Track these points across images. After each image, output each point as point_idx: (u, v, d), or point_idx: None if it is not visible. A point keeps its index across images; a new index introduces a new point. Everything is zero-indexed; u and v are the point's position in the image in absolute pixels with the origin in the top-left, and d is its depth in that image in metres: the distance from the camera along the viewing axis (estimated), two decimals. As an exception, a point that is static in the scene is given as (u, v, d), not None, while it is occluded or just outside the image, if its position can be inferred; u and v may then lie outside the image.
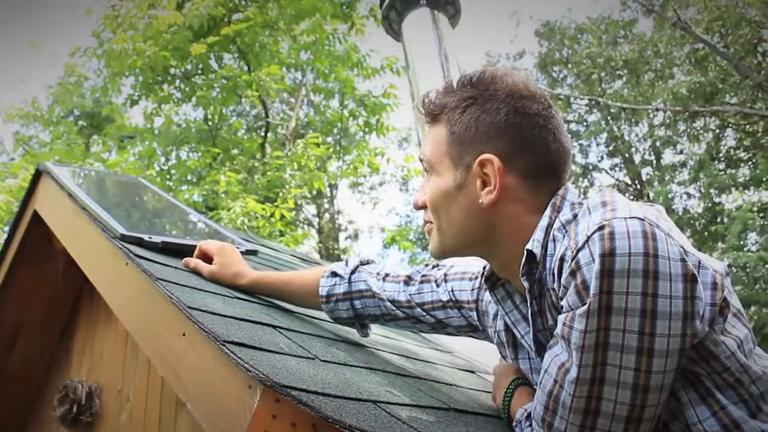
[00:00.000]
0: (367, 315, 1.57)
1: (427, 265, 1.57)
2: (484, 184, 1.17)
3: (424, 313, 1.50)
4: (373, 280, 1.55)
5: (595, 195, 1.10)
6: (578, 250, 0.95)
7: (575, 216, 1.09)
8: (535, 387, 1.27)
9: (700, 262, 0.98)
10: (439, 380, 1.60)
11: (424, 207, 1.28)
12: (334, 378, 1.11)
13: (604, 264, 0.91)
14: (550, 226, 1.12)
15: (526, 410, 1.17)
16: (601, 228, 0.93)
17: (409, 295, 1.50)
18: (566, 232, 1.08)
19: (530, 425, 1.11)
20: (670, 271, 0.90)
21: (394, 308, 1.52)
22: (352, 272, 1.58)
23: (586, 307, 0.93)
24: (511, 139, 1.17)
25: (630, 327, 0.91)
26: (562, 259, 1.02)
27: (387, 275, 1.55)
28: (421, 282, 1.51)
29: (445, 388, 1.53)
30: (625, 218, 0.94)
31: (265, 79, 8.93)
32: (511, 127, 1.17)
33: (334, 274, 1.59)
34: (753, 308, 14.29)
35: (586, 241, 0.94)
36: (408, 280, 1.52)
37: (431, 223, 1.27)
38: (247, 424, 0.91)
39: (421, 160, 1.30)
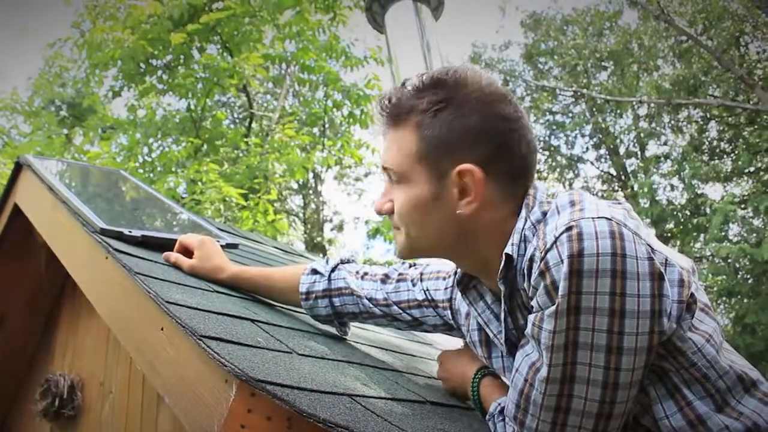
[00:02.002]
0: (345, 312, 1.59)
1: (404, 263, 1.57)
2: (462, 194, 1.14)
3: (401, 312, 1.51)
4: (352, 279, 1.56)
5: (564, 194, 1.10)
6: (547, 251, 0.96)
7: (544, 215, 1.10)
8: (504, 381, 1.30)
9: (667, 260, 0.99)
10: (417, 373, 1.62)
11: (388, 213, 1.23)
12: (311, 372, 1.12)
13: (573, 264, 0.92)
14: (523, 227, 1.13)
15: (499, 405, 1.18)
16: (569, 229, 0.95)
17: (386, 293, 1.52)
18: (536, 231, 1.09)
19: (503, 420, 1.13)
20: (638, 270, 0.92)
21: (371, 306, 1.53)
22: (332, 270, 1.59)
23: (555, 307, 0.95)
24: (487, 145, 1.13)
25: (599, 326, 0.93)
26: (531, 260, 1.03)
27: (365, 273, 1.57)
28: (398, 281, 1.52)
29: (422, 380, 1.55)
30: (592, 218, 0.95)
31: (245, 68, 8.86)
32: (487, 132, 1.13)
33: (315, 272, 1.60)
34: (734, 299, 14.46)
35: (555, 242, 0.95)
36: (385, 279, 1.54)
37: (398, 228, 1.23)
38: (224, 418, 0.92)
39: (384, 168, 1.21)
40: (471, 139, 1.13)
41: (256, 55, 9.17)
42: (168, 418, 1.64)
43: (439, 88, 1.16)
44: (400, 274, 1.53)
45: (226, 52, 9.93)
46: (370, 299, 1.53)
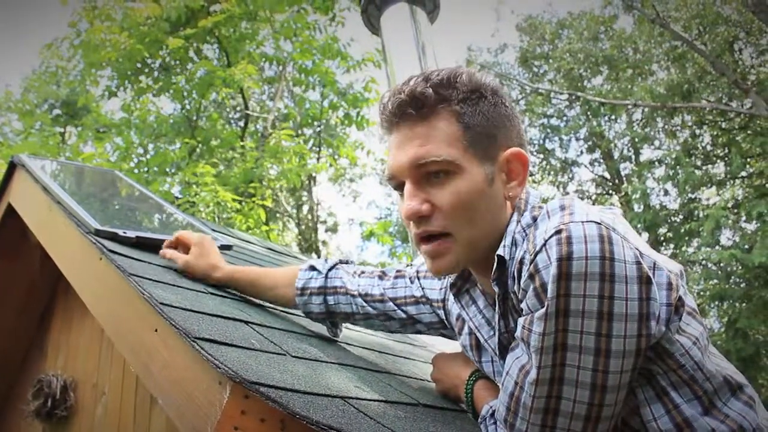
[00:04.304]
0: (338, 312, 1.59)
1: (400, 262, 1.59)
2: (509, 177, 1.17)
3: (396, 308, 1.52)
4: (349, 278, 1.58)
5: (554, 200, 1.12)
6: (536, 254, 0.97)
7: (534, 219, 1.12)
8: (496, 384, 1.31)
9: (655, 264, 1.01)
10: (410, 375, 1.63)
11: (429, 215, 1.14)
12: (304, 374, 1.13)
13: (561, 267, 0.93)
14: (514, 230, 1.15)
15: (491, 407, 1.19)
16: (558, 232, 0.96)
17: (383, 289, 1.53)
18: (526, 235, 1.11)
19: (494, 422, 1.14)
20: (626, 274, 0.93)
21: (365, 304, 1.54)
22: (330, 269, 1.61)
23: (544, 309, 0.96)
24: (518, 132, 1.20)
25: (587, 329, 0.94)
26: (521, 263, 1.04)
27: (362, 272, 1.58)
28: (396, 277, 1.54)
29: (415, 383, 1.55)
30: (582, 222, 0.96)
31: (241, 77, 8.84)
32: (516, 121, 1.20)
33: (313, 268, 1.62)
34: (726, 304, 14.50)
35: (544, 245, 0.96)
36: (382, 275, 1.56)
37: (447, 235, 1.14)
38: (217, 420, 0.93)
39: (420, 165, 1.13)
40: (508, 127, 1.18)
41: (252, 68, 9.17)
42: (161, 420, 1.64)
43: (463, 81, 1.16)
44: (397, 271, 1.55)
45: (222, 53, 9.93)
46: (364, 296, 1.54)
